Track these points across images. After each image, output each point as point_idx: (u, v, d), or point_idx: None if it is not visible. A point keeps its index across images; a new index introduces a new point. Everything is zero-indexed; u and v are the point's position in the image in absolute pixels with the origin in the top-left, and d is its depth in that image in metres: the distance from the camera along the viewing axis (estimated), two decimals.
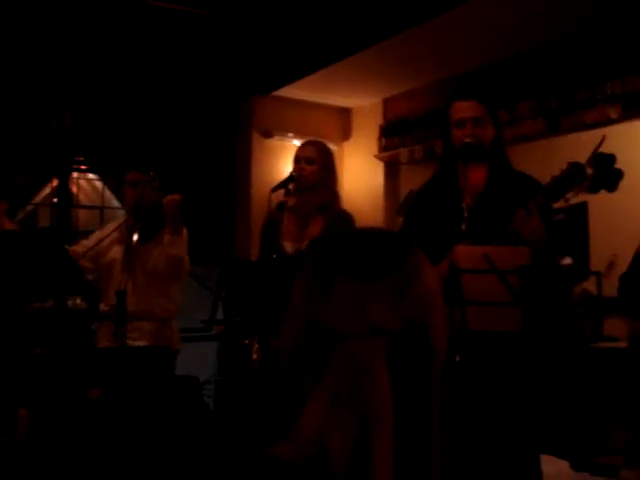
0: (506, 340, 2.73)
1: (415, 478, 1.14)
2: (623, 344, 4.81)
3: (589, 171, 6.37)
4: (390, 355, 1.10)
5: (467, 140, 2.89)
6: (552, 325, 5.23)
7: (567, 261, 5.40)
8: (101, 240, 4.14)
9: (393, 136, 6.51)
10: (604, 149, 6.34)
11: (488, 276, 2.55)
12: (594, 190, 6.38)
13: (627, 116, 4.91)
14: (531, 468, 2.96)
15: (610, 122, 4.95)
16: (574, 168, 2.95)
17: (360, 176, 6.94)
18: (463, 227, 2.70)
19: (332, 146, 6.98)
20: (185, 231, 4.09)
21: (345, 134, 7.19)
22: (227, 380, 5.63)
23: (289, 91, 6.63)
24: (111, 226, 4.40)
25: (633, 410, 4.99)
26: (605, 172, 6.35)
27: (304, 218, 3.70)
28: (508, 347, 2.79)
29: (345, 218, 3.75)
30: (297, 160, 3.76)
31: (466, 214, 2.73)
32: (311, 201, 3.73)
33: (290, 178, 3.50)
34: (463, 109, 2.97)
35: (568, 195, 2.79)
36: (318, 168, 3.70)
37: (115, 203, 6.74)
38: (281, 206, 3.61)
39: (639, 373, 4.37)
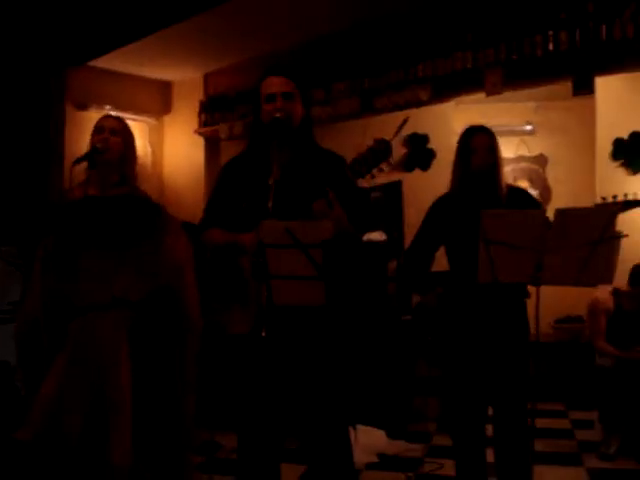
0: (311, 314, 2.77)
1: (160, 443, 1.13)
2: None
3: (403, 151, 6.63)
4: (134, 326, 1.08)
5: (276, 115, 2.88)
6: (364, 298, 5.39)
7: (380, 237, 5.58)
8: None
9: (213, 111, 6.45)
10: (417, 130, 6.61)
11: (292, 251, 2.56)
12: (409, 169, 6.65)
13: (437, 98, 5.10)
14: (340, 440, 3.02)
15: (421, 103, 5.13)
16: (380, 144, 3.01)
17: (180, 151, 6.83)
18: (269, 203, 2.69)
19: (152, 120, 6.84)
20: None
21: (165, 108, 7.03)
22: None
23: (105, 62, 6.37)
24: None
25: (441, 379, 5.25)
26: (419, 152, 6.63)
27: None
28: (313, 321, 2.83)
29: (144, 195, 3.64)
30: (100, 130, 3.38)
31: (272, 190, 2.72)
32: (108, 176, 3.45)
33: (94, 150, 3.28)
34: (274, 84, 2.96)
35: (374, 171, 2.84)
36: (122, 141, 3.47)
37: None
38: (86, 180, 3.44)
39: (424, 339, 4.58)
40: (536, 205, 3.50)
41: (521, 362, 3.52)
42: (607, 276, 2.83)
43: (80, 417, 1.02)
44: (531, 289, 3.38)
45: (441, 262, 3.71)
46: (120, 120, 3.60)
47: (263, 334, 2.61)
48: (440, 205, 3.66)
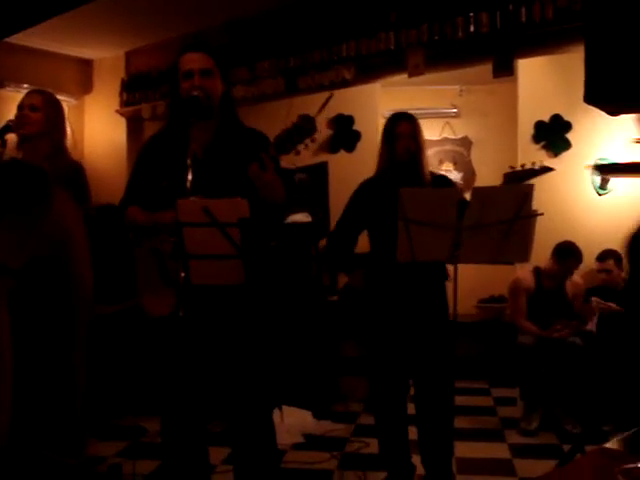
0: (230, 293, 2.74)
1: (46, 414, 1.09)
2: None
3: (328, 132, 6.62)
4: (14, 294, 1.04)
5: (194, 93, 2.83)
6: (288, 278, 5.38)
7: (304, 218, 5.56)
8: None
9: (135, 91, 6.29)
10: (343, 111, 6.61)
11: (210, 229, 2.52)
12: (334, 150, 6.65)
13: (361, 78, 5.08)
14: (263, 421, 3.00)
15: (345, 84, 5.11)
16: (304, 120, 2.98)
17: (102, 131, 6.66)
18: (187, 182, 2.64)
19: (72, 99, 6.63)
20: None
21: (86, 87, 6.83)
22: None
23: (23, 39, 6.13)
24: None
25: (367, 360, 5.28)
26: (344, 133, 6.63)
27: None
28: (232, 300, 2.79)
29: (74, 168, 3.56)
30: (20, 108, 3.50)
31: (191, 169, 2.67)
32: (36, 152, 3.48)
33: (5, 127, 3.21)
34: (192, 61, 2.90)
35: (299, 147, 2.81)
36: (43, 117, 3.46)
37: None
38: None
39: (352, 320, 4.62)
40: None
41: (442, 341, 3.58)
42: (523, 254, 2.88)
43: None
44: (453, 272, 3.46)
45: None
46: (44, 95, 3.52)
47: (180, 314, 2.57)
48: (364, 189, 3.75)
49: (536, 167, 3.04)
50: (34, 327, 0.98)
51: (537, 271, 5.21)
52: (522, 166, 2.98)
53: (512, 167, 2.85)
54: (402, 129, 3.56)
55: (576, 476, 1.25)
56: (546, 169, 3.06)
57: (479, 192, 2.95)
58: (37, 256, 1.00)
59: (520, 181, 2.91)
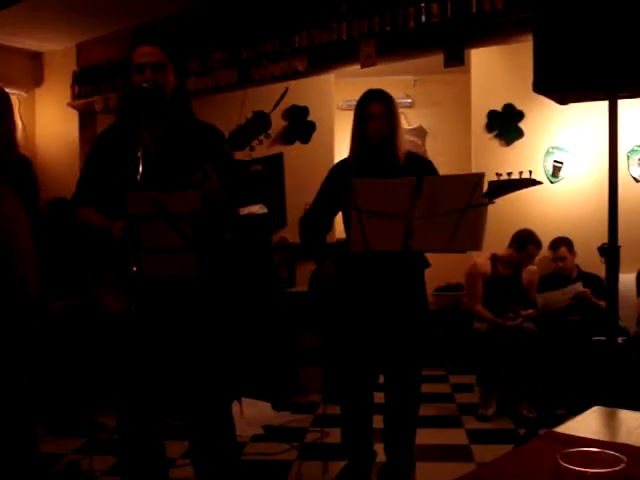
0: (183, 286, 2.73)
1: None
2: None
3: (283, 123, 6.61)
4: None
5: (144, 85, 2.81)
6: (243, 270, 5.37)
7: (260, 209, 5.56)
8: None
9: (87, 83, 6.20)
10: (297, 102, 6.60)
11: (161, 222, 2.51)
12: (289, 141, 6.64)
13: (313, 69, 5.07)
14: (221, 414, 3.00)
15: (298, 75, 5.09)
16: (258, 116, 2.97)
17: (54, 125, 6.56)
18: (139, 176, 2.62)
19: (22, 93, 6.52)
20: None
21: (36, 80, 6.72)
22: None
23: None
24: None
25: (330, 351, 5.29)
26: (299, 124, 6.62)
27: None
28: (185, 293, 2.79)
29: (23, 162, 3.50)
30: None
31: (142, 162, 2.65)
32: None
33: None
34: (144, 54, 2.88)
35: (253, 143, 2.81)
36: None
37: None
38: None
39: (319, 309, 4.60)
40: (433, 172, 3.49)
41: (418, 330, 3.57)
42: (475, 243, 2.90)
43: None
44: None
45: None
46: None
47: (132, 308, 2.55)
48: (337, 170, 3.64)
49: (524, 177, 3.04)
50: None
51: (494, 258, 5.28)
52: (509, 174, 2.98)
53: (498, 174, 2.86)
54: (374, 109, 3.41)
55: (521, 460, 1.28)
56: (533, 182, 3.07)
57: (430, 181, 2.97)
58: None
59: (505, 190, 2.90)
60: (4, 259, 0.99)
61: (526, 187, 3.12)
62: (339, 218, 3.67)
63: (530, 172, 3.26)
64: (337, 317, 3.67)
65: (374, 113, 3.41)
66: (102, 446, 4.44)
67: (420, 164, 3.56)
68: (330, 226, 3.74)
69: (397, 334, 3.54)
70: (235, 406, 4.88)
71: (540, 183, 3.21)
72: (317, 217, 3.68)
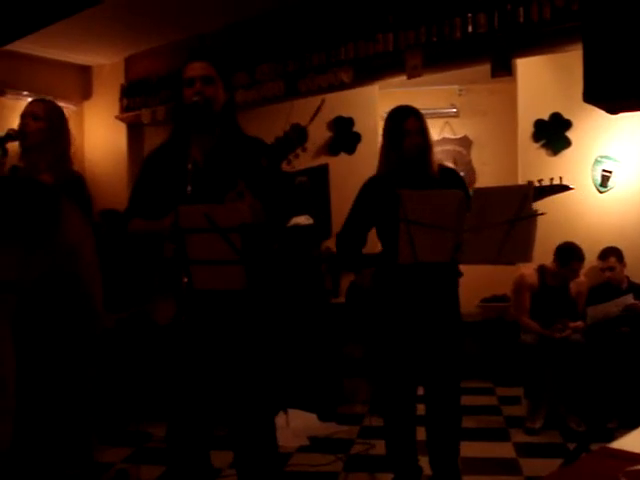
0: (232, 298, 2.74)
1: (49, 429, 1.10)
2: None
3: (328, 134, 6.63)
4: (20, 310, 1.04)
5: (194, 99, 2.84)
6: (290, 282, 5.38)
7: (306, 221, 5.57)
8: None
9: (135, 96, 6.31)
10: (342, 113, 6.62)
11: (212, 235, 2.53)
12: (334, 153, 6.65)
13: (359, 80, 5.09)
14: (264, 426, 3.00)
15: (343, 86, 5.11)
16: (295, 130, 2.98)
17: (102, 137, 6.68)
18: (188, 189, 2.65)
19: (71, 106, 6.65)
20: None
21: (85, 93, 6.86)
22: None
23: (23, 46, 6.16)
24: None
25: (371, 362, 5.28)
26: (344, 135, 6.63)
27: None
28: (235, 305, 2.80)
29: (77, 179, 3.56)
30: (22, 116, 3.47)
31: (191, 175, 2.68)
32: (39, 161, 3.46)
33: (7, 136, 3.20)
34: (194, 69, 2.92)
35: (290, 156, 2.82)
36: (45, 126, 3.45)
37: None
38: (13, 170, 3.34)
39: (356, 321, 4.59)
40: (462, 185, 3.52)
41: (454, 341, 3.56)
42: (525, 255, 2.87)
43: None
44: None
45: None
46: (46, 104, 3.51)
47: (182, 319, 2.57)
48: (370, 186, 3.66)
49: (554, 183, 3.02)
50: (43, 341, 0.99)
51: (541, 269, 5.21)
52: (539, 181, 2.97)
53: (540, 181, 2.85)
54: (410, 125, 3.46)
55: (578, 477, 1.26)
56: (564, 187, 3.04)
57: (480, 193, 2.95)
58: (46, 272, 1.00)
59: (536, 197, 2.88)
60: (69, 278, 1.00)
61: (557, 193, 3.09)
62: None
63: (560, 178, 3.22)
64: (375, 328, 3.68)
65: (410, 129, 3.46)
66: (149, 455, 4.48)
67: (453, 177, 3.61)
68: (365, 241, 3.76)
69: (433, 344, 3.53)
70: (281, 417, 4.89)
71: (571, 189, 3.18)
72: (353, 233, 3.70)
